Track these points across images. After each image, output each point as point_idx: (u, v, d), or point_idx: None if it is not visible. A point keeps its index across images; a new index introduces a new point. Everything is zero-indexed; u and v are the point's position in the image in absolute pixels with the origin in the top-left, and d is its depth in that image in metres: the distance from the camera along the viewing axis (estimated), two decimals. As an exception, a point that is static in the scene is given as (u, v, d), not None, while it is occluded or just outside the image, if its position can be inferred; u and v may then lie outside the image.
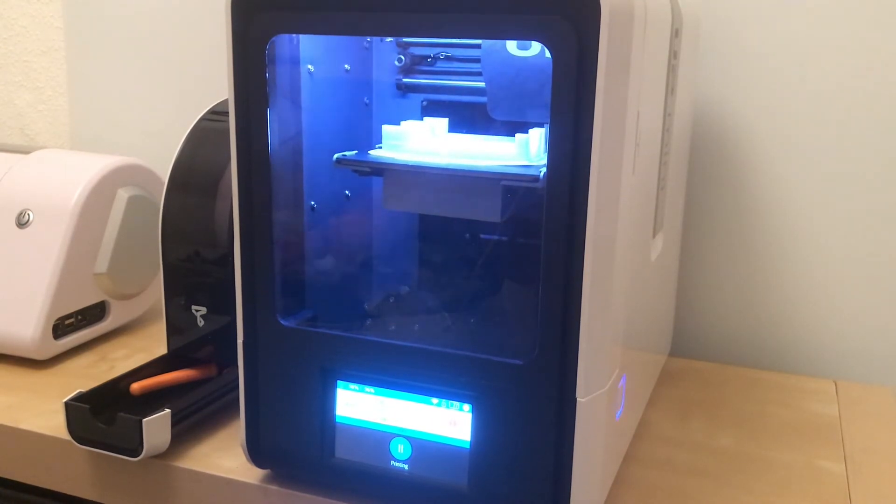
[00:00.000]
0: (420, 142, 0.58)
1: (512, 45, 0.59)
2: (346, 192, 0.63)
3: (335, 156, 0.56)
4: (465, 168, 0.53)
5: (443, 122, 0.61)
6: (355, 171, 0.57)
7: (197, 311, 0.71)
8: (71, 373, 0.75)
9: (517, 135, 0.55)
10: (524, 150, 0.54)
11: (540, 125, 0.57)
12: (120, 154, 0.83)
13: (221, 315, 0.70)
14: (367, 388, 0.54)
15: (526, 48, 0.58)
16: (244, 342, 0.56)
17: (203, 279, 0.70)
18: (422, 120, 0.67)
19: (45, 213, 0.77)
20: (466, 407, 0.52)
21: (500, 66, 0.59)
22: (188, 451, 0.62)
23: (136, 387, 0.66)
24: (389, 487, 0.54)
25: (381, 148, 0.58)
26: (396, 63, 0.65)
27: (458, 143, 0.58)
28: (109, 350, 0.81)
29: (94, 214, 0.78)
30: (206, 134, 0.72)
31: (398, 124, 0.67)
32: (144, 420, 0.58)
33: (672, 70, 0.60)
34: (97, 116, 1.08)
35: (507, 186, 0.52)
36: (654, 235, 0.61)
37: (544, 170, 0.51)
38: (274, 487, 0.57)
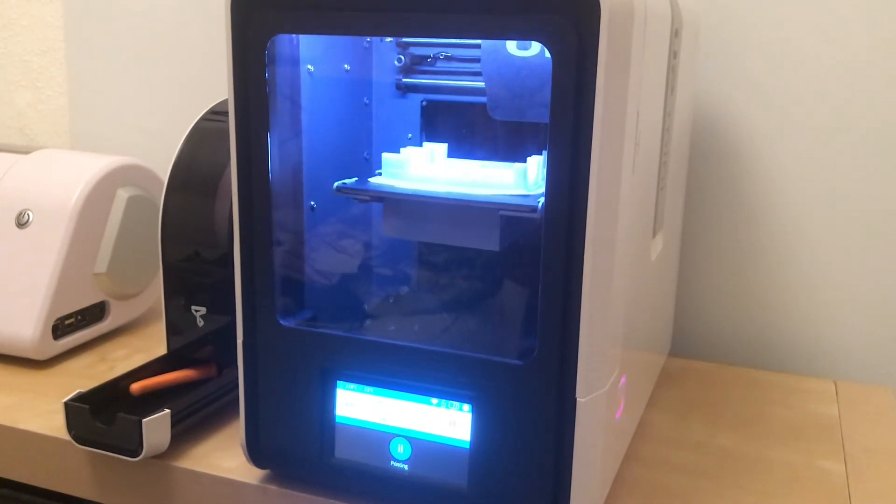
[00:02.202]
0: (419, 169, 0.58)
1: (512, 45, 0.59)
2: (346, 192, 0.63)
3: (335, 184, 0.57)
4: (464, 198, 0.54)
5: (442, 148, 0.62)
6: (356, 198, 0.57)
7: (197, 311, 0.71)
8: (71, 373, 0.75)
9: (516, 164, 0.56)
10: (522, 179, 0.55)
11: (538, 152, 0.57)
12: (119, 154, 0.83)
13: (221, 315, 0.70)
14: (367, 388, 0.54)
15: (526, 48, 0.58)
16: (244, 342, 0.56)
17: (203, 279, 0.70)
18: (420, 121, 0.68)
19: (45, 213, 0.77)
20: (466, 407, 0.52)
21: (500, 67, 0.59)
22: (188, 452, 0.62)
23: (135, 387, 0.66)
24: (389, 487, 0.54)
25: (380, 174, 0.59)
26: (396, 63, 0.65)
27: (457, 171, 0.59)
28: (109, 350, 0.81)
29: (94, 214, 0.78)
30: (205, 134, 0.72)
31: (398, 125, 0.67)
32: (144, 420, 0.58)
33: (672, 70, 0.60)
34: (97, 116, 1.08)
35: (506, 216, 0.52)
36: (653, 235, 0.61)
37: (542, 200, 0.51)
38: (273, 487, 0.57)
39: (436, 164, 0.61)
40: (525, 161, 0.56)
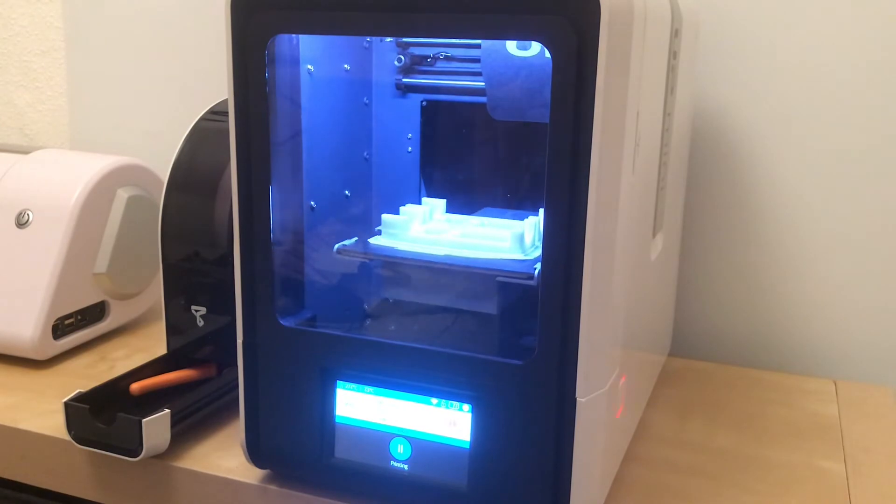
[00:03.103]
0: (418, 231, 0.59)
1: (511, 45, 0.59)
2: (346, 191, 0.63)
3: (335, 246, 0.57)
4: (462, 263, 0.54)
5: (440, 204, 0.63)
6: (357, 259, 0.58)
7: (196, 311, 0.71)
8: (70, 373, 0.75)
9: (511, 228, 0.56)
10: (519, 243, 0.55)
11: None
12: (119, 154, 0.83)
13: (221, 315, 0.70)
14: (367, 389, 0.54)
15: (526, 48, 0.58)
16: (244, 342, 0.56)
17: (203, 279, 0.70)
18: (420, 121, 0.68)
19: (45, 213, 0.77)
20: (466, 407, 0.52)
21: (500, 67, 0.59)
22: (188, 451, 0.62)
23: (135, 387, 0.66)
24: (389, 488, 0.54)
25: (380, 233, 0.59)
26: (396, 63, 0.65)
27: (456, 233, 0.59)
28: (109, 350, 0.81)
29: (94, 214, 0.78)
30: (205, 134, 0.72)
31: (398, 125, 0.67)
32: (144, 420, 0.58)
33: (672, 70, 0.60)
34: (97, 116, 1.08)
35: (503, 282, 0.53)
36: (653, 235, 0.61)
37: (539, 266, 0.52)
38: (273, 487, 0.57)
39: (434, 221, 0.62)
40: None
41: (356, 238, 0.58)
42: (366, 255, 0.55)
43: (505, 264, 0.53)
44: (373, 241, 0.58)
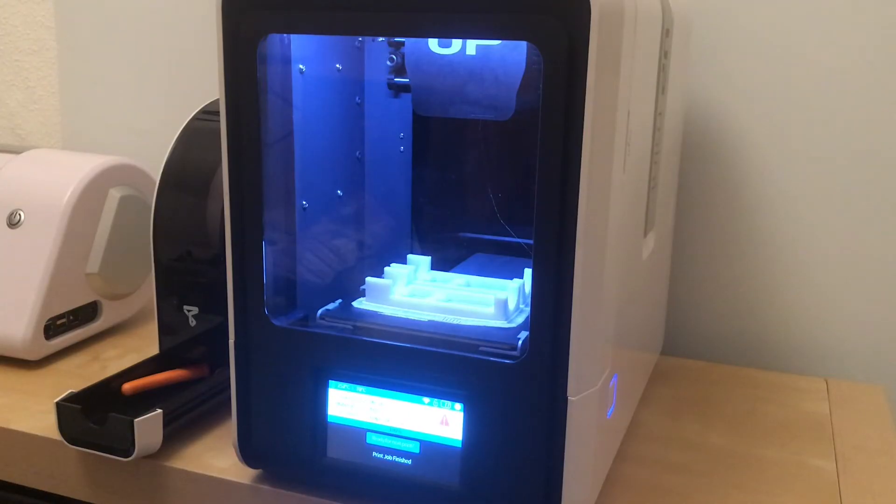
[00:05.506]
0: (402, 294, 0.59)
1: (434, 44, 0.59)
2: (339, 191, 0.63)
3: (319, 312, 0.57)
4: (443, 333, 0.54)
5: (425, 261, 0.64)
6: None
7: (189, 311, 0.70)
8: (63, 373, 0.75)
9: (495, 295, 0.56)
10: (503, 311, 0.55)
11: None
12: (111, 154, 0.82)
13: (213, 315, 0.70)
14: (359, 388, 0.54)
15: (447, 46, 0.59)
16: (236, 342, 0.56)
17: (195, 279, 0.70)
18: (412, 119, 0.68)
19: (37, 213, 0.77)
20: (458, 406, 0.52)
21: (423, 65, 0.60)
22: (180, 452, 0.61)
23: (127, 387, 0.66)
24: (381, 487, 0.54)
25: (365, 295, 0.59)
26: (388, 63, 0.65)
27: (440, 296, 0.59)
28: (101, 350, 0.80)
29: (86, 214, 0.78)
30: (197, 134, 0.72)
31: (390, 125, 0.67)
32: (136, 420, 0.58)
33: (663, 69, 0.60)
34: (89, 116, 1.07)
35: (485, 351, 0.52)
36: (645, 234, 0.61)
37: (523, 335, 0.52)
38: (265, 487, 0.57)
39: (419, 282, 0.62)
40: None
41: (340, 301, 0.59)
42: (347, 321, 0.56)
43: (487, 334, 0.54)
44: (356, 304, 0.58)
